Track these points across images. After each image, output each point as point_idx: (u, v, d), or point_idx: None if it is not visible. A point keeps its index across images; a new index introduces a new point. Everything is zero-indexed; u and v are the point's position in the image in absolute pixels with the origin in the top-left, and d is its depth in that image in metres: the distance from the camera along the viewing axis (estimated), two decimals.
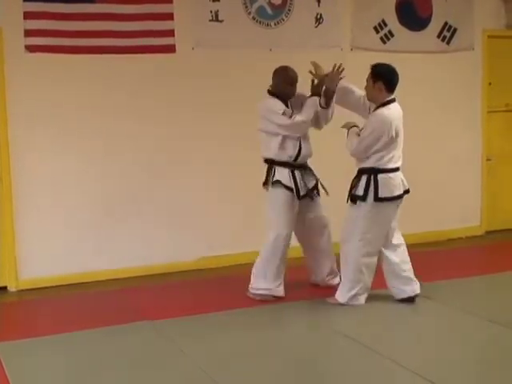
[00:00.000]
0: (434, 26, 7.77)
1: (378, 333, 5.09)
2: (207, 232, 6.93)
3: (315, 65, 5.74)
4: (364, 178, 5.42)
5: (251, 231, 6.85)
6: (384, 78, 5.42)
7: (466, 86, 8.02)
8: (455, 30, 7.87)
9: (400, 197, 5.50)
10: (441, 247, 7.57)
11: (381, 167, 5.40)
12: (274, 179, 5.71)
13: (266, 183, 5.79)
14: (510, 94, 8.36)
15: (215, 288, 6.29)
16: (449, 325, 5.22)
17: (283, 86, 5.74)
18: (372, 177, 5.39)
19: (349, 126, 5.60)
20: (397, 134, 5.39)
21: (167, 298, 5.99)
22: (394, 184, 5.44)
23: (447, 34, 7.84)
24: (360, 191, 5.43)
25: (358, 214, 5.46)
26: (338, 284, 5.76)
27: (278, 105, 5.69)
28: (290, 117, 5.63)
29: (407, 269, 5.60)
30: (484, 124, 8.23)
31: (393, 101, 5.47)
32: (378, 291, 5.69)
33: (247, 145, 6.73)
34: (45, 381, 4.37)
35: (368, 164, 5.43)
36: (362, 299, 5.59)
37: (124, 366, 4.52)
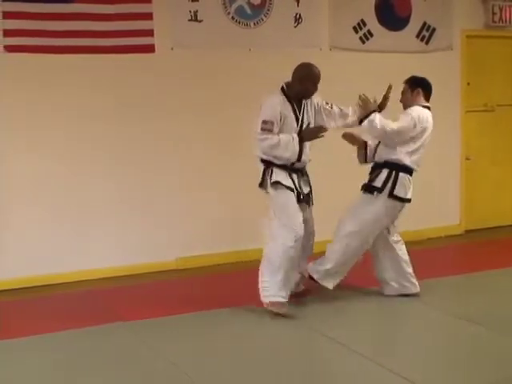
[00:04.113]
0: (413, 26, 7.80)
1: (356, 333, 5.10)
2: (185, 232, 6.90)
3: (365, 100, 5.48)
4: (385, 172, 5.47)
5: (229, 231, 6.86)
6: (422, 85, 5.63)
7: (444, 86, 8.02)
8: (434, 29, 7.91)
9: (409, 200, 5.58)
10: (420, 246, 7.58)
11: (406, 163, 5.47)
12: (273, 180, 5.31)
13: (262, 185, 5.37)
14: (488, 94, 8.42)
15: (192, 289, 6.27)
16: (428, 324, 5.25)
17: (304, 82, 5.33)
18: (394, 172, 5.45)
19: (368, 111, 5.45)
20: (426, 136, 5.50)
21: (143, 298, 5.94)
22: (409, 186, 5.55)
23: (426, 33, 7.88)
24: (378, 183, 5.47)
25: (367, 204, 5.51)
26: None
27: (270, 108, 5.29)
28: (271, 131, 5.25)
29: (410, 266, 5.76)
30: (463, 124, 8.29)
31: (428, 108, 5.58)
32: (356, 289, 5.74)
33: (224, 144, 6.75)
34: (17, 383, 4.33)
35: (395, 156, 5.45)
36: (331, 284, 5.59)
37: (98, 368, 4.49)
